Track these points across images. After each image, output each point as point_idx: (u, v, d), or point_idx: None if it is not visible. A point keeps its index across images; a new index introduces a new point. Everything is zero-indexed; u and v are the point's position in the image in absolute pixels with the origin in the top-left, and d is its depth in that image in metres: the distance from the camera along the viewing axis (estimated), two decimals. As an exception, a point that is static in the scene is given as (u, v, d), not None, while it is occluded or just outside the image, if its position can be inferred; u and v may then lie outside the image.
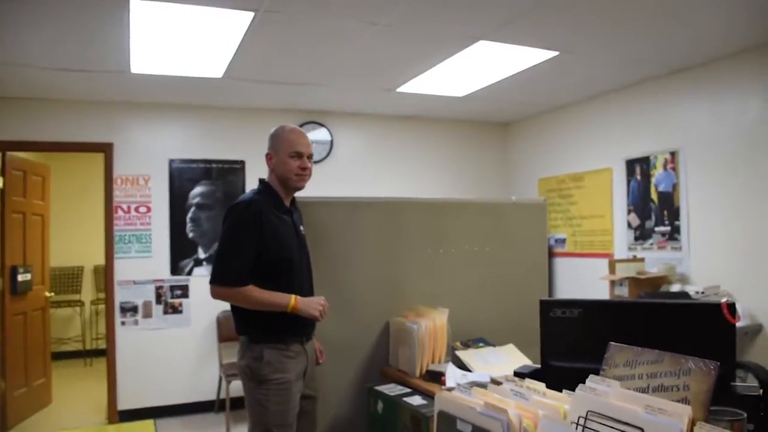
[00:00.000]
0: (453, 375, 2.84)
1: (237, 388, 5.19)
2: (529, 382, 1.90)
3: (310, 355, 2.70)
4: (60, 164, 6.94)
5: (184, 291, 5.36)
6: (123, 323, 5.15)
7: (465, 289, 3.47)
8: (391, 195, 3.65)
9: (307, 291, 2.66)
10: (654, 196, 4.92)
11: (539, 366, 2.29)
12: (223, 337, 5.28)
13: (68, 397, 5.89)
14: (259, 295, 2.47)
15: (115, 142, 5.24)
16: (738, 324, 3.96)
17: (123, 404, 5.09)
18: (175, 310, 5.32)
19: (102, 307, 7.26)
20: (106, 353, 5.22)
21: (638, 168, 5.06)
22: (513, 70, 4.57)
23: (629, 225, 5.16)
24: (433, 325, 2.99)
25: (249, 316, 2.52)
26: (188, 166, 5.45)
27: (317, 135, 5.83)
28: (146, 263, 5.27)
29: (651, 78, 4.88)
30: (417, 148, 6.34)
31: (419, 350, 2.94)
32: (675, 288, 4.40)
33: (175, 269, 5.36)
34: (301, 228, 2.74)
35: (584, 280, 5.44)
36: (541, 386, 1.88)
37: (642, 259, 4.76)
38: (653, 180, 4.93)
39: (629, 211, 5.16)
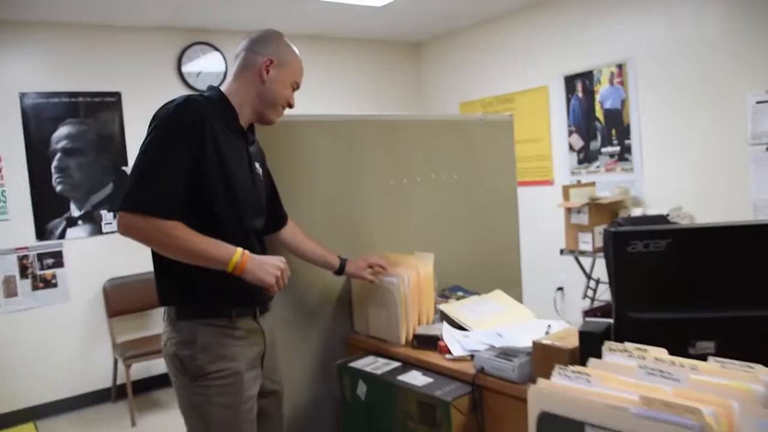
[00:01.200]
0: (453, 338, 2.20)
1: (140, 370, 4.32)
2: (645, 349, 1.30)
3: (269, 333, 1.95)
4: None
5: (57, 259, 4.31)
6: (-22, 307, 4.06)
7: (434, 226, 2.82)
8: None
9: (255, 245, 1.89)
10: (599, 114, 4.49)
11: (609, 320, 1.71)
12: (112, 311, 4.34)
13: None
14: (190, 236, 1.65)
15: (-58, 75, 4.02)
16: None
17: (-10, 408, 4.05)
18: (48, 283, 4.27)
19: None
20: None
21: (579, 84, 4.59)
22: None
23: (571, 147, 4.72)
24: (416, 276, 2.32)
25: (175, 275, 1.74)
26: (47, 101, 4.30)
27: (208, 62, 4.85)
28: (2, 228, 4.15)
29: (594, -19, 4.38)
30: (325, 73, 5.51)
31: (403, 311, 2.26)
32: (637, 212, 4.02)
33: (43, 233, 4.28)
34: (258, 168, 1.98)
35: (526, 211, 4.96)
36: (662, 353, 1.29)
37: (593, 184, 4.33)
38: (598, 97, 4.49)
39: (570, 133, 4.71)
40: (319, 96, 5.41)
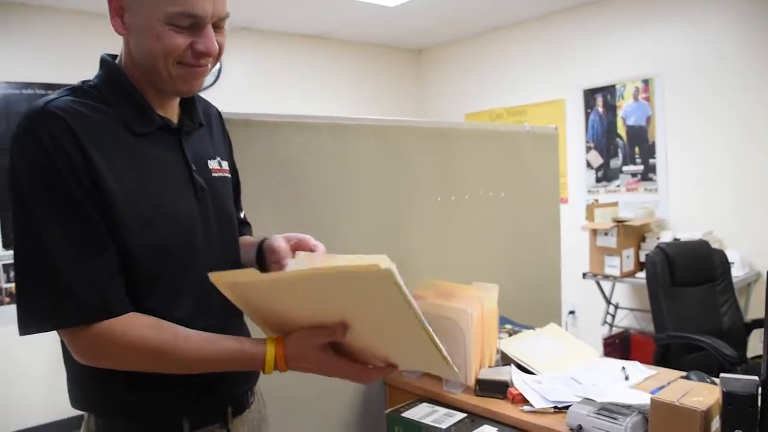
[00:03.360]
0: (526, 385, 1.87)
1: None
2: None
3: None
4: None
5: (26, 270, 3.84)
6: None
7: (480, 250, 2.50)
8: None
9: (233, 306, 1.11)
10: (621, 131, 4.24)
11: (754, 378, 1.40)
12: (88, 330, 3.87)
13: None
14: (179, 342, 1.02)
15: None
16: (736, 274, 3.41)
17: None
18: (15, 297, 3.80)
19: None
20: None
21: (600, 99, 4.34)
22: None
23: (588, 164, 4.46)
24: (480, 310, 1.98)
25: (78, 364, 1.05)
26: (20, 92, 3.83)
27: (201, 57, 4.45)
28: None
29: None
30: (323, 76, 5.18)
31: (474, 348, 1.92)
32: (666, 236, 3.76)
33: (10, 241, 3.81)
34: (217, 165, 1.22)
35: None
36: None
37: (616, 204, 4.08)
38: (620, 112, 4.24)
39: (588, 149, 4.46)
40: (314, 101, 5.09)
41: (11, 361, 3.74)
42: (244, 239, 1.36)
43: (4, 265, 3.77)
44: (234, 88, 4.61)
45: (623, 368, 2.03)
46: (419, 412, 1.86)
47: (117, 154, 1.02)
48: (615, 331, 4.10)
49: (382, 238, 2.15)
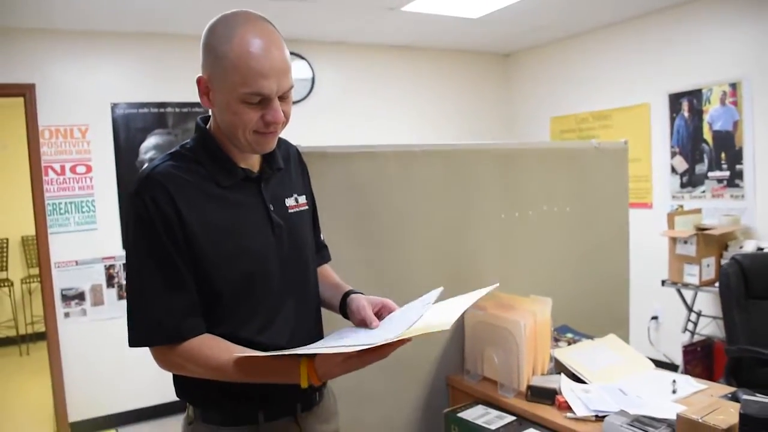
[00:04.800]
0: (573, 393, 2.02)
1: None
2: None
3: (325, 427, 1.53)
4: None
5: (143, 268, 4.33)
6: (67, 315, 4.08)
7: (544, 263, 2.64)
8: (382, 140, 2.45)
9: (297, 323, 1.43)
10: (707, 135, 4.18)
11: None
12: (195, 323, 4.32)
13: (4, 403, 4.81)
14: (226, 358, 1.25)
15: (38, 83, 4.03)
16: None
17: (75, 415, 4.06)
18: (133, 292, 4.29)
19: (35, 285, 6.17)
20: (46, 338, 4.14)
21: (686, 103, 4.29)
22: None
23: (673, 170, 4.43)
24: (533, 322, 2.15)
25: None
26: (137, 111, 4.32)
27: (296, 71, 4.78)
28: (91, 237, 4.18)
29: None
30: (412, 83, 5.39)
31: (526, 357, 2.09)
32: (749, 245, 3.71)
33: (129, 242, 4.30)
34: (293, 201, 1.46)
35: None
36: None
37: (699, 211, 4.04)
38: (706, 117, 4.18)
39: (673, 154, 4.42)
40: (405, 108, 5.31)
41: (128, 349, 4.23)
42: (326, 273, 1.61)
43: (124, 264, 4.25)
44: (327, 99, 4.92)
45: (674, 381, 2.13)
46: (474, 413, 2.07)
47: (206, 205, 1.29)
48: (697, 339, 4.07)
49: (446, 253, 2.35)
